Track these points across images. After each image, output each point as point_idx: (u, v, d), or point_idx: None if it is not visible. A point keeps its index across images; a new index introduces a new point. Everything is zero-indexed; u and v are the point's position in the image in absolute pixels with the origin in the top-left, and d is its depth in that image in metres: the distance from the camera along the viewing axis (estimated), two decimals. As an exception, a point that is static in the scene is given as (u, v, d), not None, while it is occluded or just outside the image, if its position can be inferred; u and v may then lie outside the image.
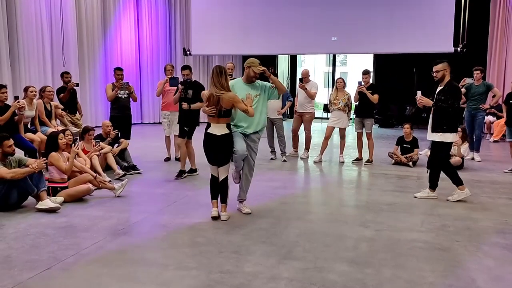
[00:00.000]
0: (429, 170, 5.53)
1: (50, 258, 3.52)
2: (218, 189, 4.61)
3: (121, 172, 6.41)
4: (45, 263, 3.42)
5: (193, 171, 6.68)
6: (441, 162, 5.39)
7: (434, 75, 5.28)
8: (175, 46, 14.56)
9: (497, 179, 6.66)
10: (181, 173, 6.49)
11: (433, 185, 5.49)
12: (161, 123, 8.35)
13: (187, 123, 6.44)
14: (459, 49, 11.15)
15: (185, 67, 6.45)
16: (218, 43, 12.86)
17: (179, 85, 6.37)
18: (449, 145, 5.35)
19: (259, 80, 4.82)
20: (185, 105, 6.22)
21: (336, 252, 3.72)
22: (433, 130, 5.32)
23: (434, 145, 5.41)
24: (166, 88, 7.57)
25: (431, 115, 5.38)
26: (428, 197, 5.45)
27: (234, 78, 7.08)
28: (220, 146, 4.49)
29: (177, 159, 7.75)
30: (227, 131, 4.49)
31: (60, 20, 10.94)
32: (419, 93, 5.46)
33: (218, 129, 4.48)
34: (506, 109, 7.32)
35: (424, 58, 12.27)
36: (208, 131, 4.53)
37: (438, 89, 5.32)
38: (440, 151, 5.34)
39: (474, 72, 8.15)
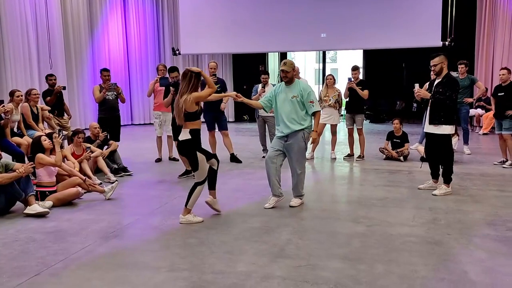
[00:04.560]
0: (427, 163, 5.59)
1: (39, 264, 3.47)
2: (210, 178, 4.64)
3: (112, 177, 6.28)
4: (34, 269, 3.37)
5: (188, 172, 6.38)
6: (448, 155, 5.37)
7: (432, 68, 5.29)
8: (164, 45, 14.44)
9: (487, 171, 6.69)
10: (186, 173, 6.41)
11: (435, 176, 5.55)
12: (152, 123, 8.26)
13: None
14: (447, 43, 11.21)
15: (173, 69, 6.32)
16: (208, 42, 12.80)
17: (171, 88, 6.22)
18: (447, 136, 5.31)
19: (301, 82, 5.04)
20: None
21: (328, 249, 3.71)
22: (430, 122, 5.33)
23: (432, 138, 5.37)
24: (157, 88, 7.52)
25: (428, 108, 5.37)
26: (431, 188, 5.51)
27: (216, 78, 7.07)
28: (182, 153, 4.54)
29: (171, 159, 7.73)
30: (188, 136, 4.33)
31: (45, 22, 10.81)
32: (416, 85, 5.45)
33: (181, 135, 4.42)
34: (494, 102, 7.36)
35: (413, 53, 12.32)
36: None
37: (436, 81, 5.33)
38: (440, 144, 5.31)
39: (459, 66, 8.19)
